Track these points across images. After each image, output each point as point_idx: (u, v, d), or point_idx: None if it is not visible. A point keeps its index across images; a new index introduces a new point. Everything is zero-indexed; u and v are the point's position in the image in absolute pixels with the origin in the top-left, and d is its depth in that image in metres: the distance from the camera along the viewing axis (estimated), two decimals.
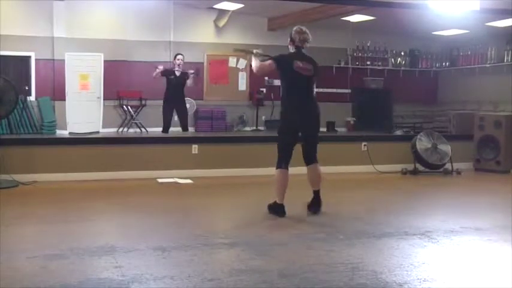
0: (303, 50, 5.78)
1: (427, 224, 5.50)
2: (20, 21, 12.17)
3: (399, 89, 14.69)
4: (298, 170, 8.77)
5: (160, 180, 8.05)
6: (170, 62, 11.75)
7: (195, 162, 8.59)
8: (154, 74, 10.20)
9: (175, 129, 13.19)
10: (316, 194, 5.86)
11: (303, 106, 5.75)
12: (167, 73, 10.25)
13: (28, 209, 6.06)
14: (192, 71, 10.57)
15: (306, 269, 3.89)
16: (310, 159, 5.90)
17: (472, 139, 10.06)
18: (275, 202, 5.68)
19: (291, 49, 5.80)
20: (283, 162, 5.71)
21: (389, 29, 13.60)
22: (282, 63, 5.70)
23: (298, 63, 5.66)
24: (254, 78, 13.51)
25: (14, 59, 12.29)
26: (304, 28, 5.79)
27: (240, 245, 4.57)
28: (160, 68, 10.27)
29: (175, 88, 10.19)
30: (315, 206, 5.83)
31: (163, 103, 10.31)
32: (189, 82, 10.31)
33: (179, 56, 10.35)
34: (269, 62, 5.76)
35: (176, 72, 10.20)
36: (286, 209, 5.69)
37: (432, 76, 15.73)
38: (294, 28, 5.82)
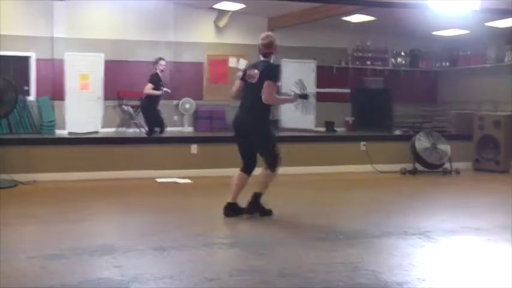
0: (270, 58, 5.67)
1: (427, 223, 5.51)
2: (20, 21, 12.17)
3: (399, 88, 14.69)
4: (298, 169, 8.82)
5: (159, 180, 8.05)
6: (170, 62, 11.75)
7: (194, 162, 8.60)
8: (151, 93, 9.92)
9: (176, 129, 13.24)
10: (254, 196, 5.62)
11: (241, 112, 5.66)
12: (156, 80, 9.91)
13: (28, 209, 6.06)
14: (168, 90, 10.42)
15: (306, 269, 3.89)
16: (246, 163, 5.64)
17: (472, 139, 10.07)
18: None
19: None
20: (242, 164, 5.66)
21: (390, 29, 13.59)
22: (244, 77, 5.69)
23: (249, 71, 5.63)
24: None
25: (14, 59, 12.29)
26: (265, 34, 5.79)
27: (240, 245, 4.57)
28: (163, 92, 9.94)
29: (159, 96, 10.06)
30: (250, 207, 5.62)
31: (155, 107, 10.07)
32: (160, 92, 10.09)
33: (162, 62, 10.00)
34: (238, 82, 5.77)
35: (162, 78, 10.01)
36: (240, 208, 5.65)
37: (432, 76, 15.73)
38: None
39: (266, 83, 5.45)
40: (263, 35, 5.75)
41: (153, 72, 10.01)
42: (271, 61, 5.71)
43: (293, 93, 5.81)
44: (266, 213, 5.62)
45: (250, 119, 5.56)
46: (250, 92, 5.60)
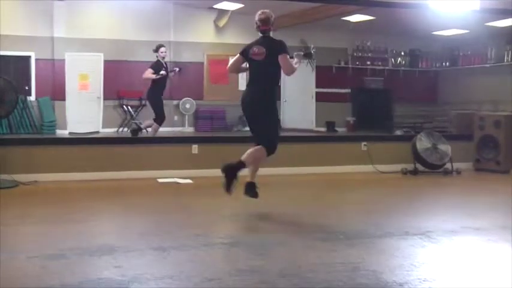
0: (270, 34, 5.69)
1: (428, 224, 5.50)
2: (20, 21, 12.18)
3: (399, 88, 14.70)
4: (298, 170, 8.82)
5: (160, 180, 8.05)
6: (170, 62, 11.76)
7: (195, 162, 8.59)
8: (155, 76, 9.74)
9: (176, 129, 13.25)
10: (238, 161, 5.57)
11: (249, 91, 5.71)
12: (158, 67, 9.81)
13: (28, 209, 6.05)
14: (177, 68, 10.51)
15: (306, 269, 3.88)
16: (257, 143, 5.66)
17: (472, 139, 10.06)
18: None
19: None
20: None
21: (390, 29, 13.60)
22: (244, 54, 5.69)
23: (254, 49, 5.60)
24: None
25: (14, 59, 12.30)
26: (261, 11, 5.65)
27: (240, 245, 4.57)
28: (160, 75, 9.78)
29: (164, 81, 10.01)
30: (230, 168, 5.58)
31: (159, 97, 9.95)
32: (171, 75, 10.22)
33: (163, 49, 9.96)
34: (237, 56, 5.78)
35: (164, 65, 9.94)
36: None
37: (432, 76, 15.74)
38: None
39: (283, 57, 5.45)
40: (259, 11, 5.65)
41: (154, 60, 9.99)
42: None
43: (296, 57, 5.82)
44: (228, 186, 5.50)
45: (260, 99, 5.58)
46: (258, 70, 5.59)
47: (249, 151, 5.58)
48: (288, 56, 5.53)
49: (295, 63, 5.72)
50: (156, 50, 9.98)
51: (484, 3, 8.59)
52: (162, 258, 4.10)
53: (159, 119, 9.96)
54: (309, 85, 14.37)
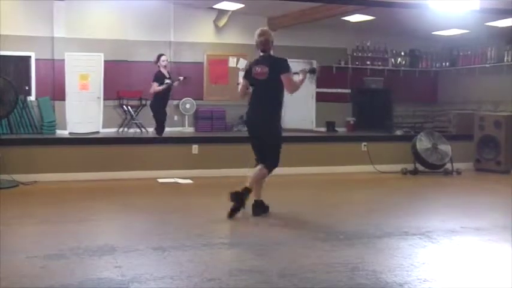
0: (270, 52, 5.71)
1: (428, 224, 5.51)
2: (20, 21, 12.19)
3: (399, 89, 14.70)
4: (298, 170, 8.82)
5: (160, 180, 8.05)
6: (170, 62, 11.75)
7: (195, 162, 8.59)
8: (162, 88, 9.67)
9: (176, 129, 13.25)
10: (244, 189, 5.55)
11: (253, 111, 5.70)
12: (161, 79, 9.71)
13: (28, 209, 6.06)
14: (181, 77, 10.46)
15: (306, 269, 3.88)
16: (261, 160, 5.65)
17: (472, 139, 10.06)
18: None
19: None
20: (257, 161, 5.72)
21: (390, 29, 13.61)
22: (247, 75, 5.74)
23: (256, 69, 5.61)
24: None
25: (14, 59, 12.30)
26: (260, 30, 5.69)
27: (240, 245, 4.57)
28: (166, 85, 9.71)
29: (168, 92, 9.94)
30: (236, 196, 5.51)
31: (163, 108, 9.96)
32: (175, 84, 10.17)
33: (164, 57, 9.86)
34: (242, 81, 5.84)
35: (167, 74, 9.86)
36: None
37: (432, 76, 15.74)
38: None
39: (285, 76, 5.48)
40: (258, 31, 5.68)
41: (156, 70, 9.92)
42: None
43: (301, 72, 5.82)
44: (233, 212, 5.46)
45: (263, 120, 5.59)
46: (260, 89, 5.60)
47: (251, 175, 5.59)
48: (291, 75, 5.56)
49: (301, 80, 5.74)
50: (157, 60, 9.86)
51: (484, 3, 8.58)
52: (162, 258, 4.11)
53: (159, 130, 9.94)
54: (309, 85, 14.38)
